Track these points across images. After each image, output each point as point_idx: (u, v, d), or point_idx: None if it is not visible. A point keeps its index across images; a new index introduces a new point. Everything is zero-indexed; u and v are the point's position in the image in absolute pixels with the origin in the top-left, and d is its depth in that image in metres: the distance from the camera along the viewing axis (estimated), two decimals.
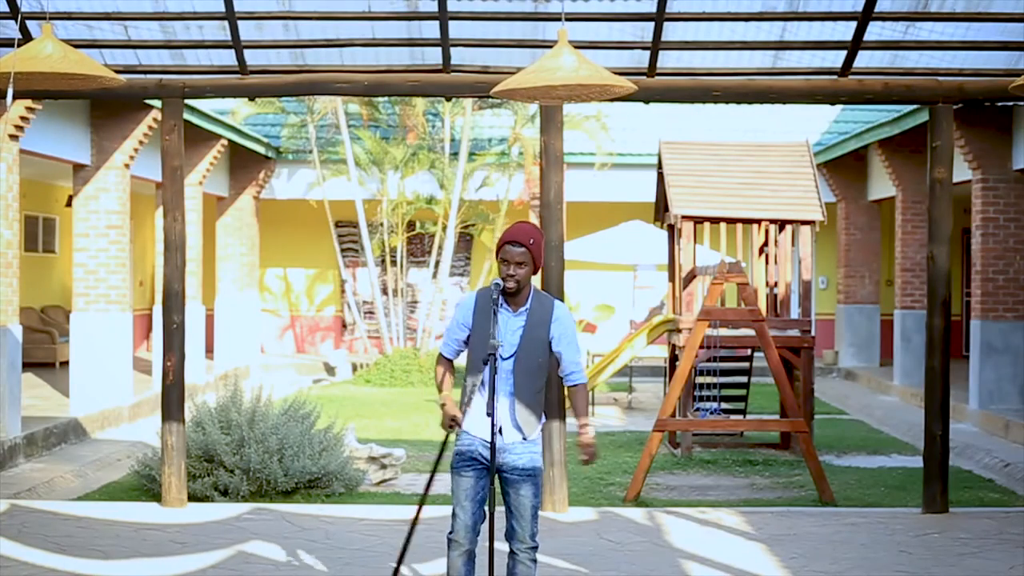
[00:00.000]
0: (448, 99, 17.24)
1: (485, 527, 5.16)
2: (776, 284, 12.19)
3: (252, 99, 14.98)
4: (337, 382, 19.37)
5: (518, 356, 5.23)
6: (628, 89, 5.85)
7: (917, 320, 16.63)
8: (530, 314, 5.23)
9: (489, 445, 5.12)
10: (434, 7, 8.23)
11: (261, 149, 19.93)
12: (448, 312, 22.46)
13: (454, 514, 5.29)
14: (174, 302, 8.91)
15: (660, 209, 13.07)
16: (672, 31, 8.44)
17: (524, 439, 5.27)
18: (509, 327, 5.20)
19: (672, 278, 12.86)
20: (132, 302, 15.76)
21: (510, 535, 5.30)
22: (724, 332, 11.26)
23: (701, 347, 10.46)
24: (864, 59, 8.68)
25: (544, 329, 5.23)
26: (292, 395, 10.92)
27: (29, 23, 8.40)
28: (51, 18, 7.17)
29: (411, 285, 22.35)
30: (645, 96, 8.86)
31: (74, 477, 10.56)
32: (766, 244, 12.29)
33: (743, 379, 13.07)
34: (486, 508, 5.16)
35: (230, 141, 17.96)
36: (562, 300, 8.84)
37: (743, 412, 13.08)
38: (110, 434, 13.01)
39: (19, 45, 5.57)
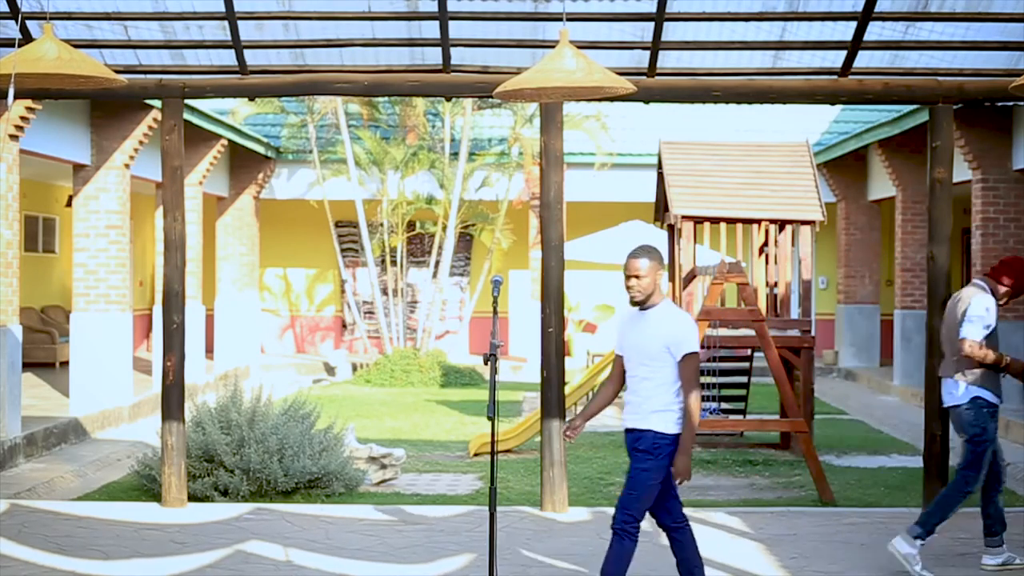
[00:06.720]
0: (448, 99, 17.24)
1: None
2: (776, 284, 12.18)
3: (252, 99, 14.97)
4: (337, 382, 19.35)
5: None
6: (628, 89, 5.85)
7: (917, 320, 16.62)
8: None
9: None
10: (434, 7, 8.23)
11: (261, 149, 19.92)
12: (448, 311, 22.48)
13: None
14: (174, 302, 8.91)
15: (660, 209, 13.06)
16: (672, 31, 8.44)
17: None
18: None
19: (672, 278, 12.85)
20: (132, 302, 15.76)
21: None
22: (724, 332, 11.25)
23: (701, 347, 10.45)
24: (864, 59, 8.68)
25: None
26: (292, 395, 10.91)
27: (29, 23, 8.39)
28: (51, 18, 7.17)
29: (411, 285, 22.34)
30: (645, 96, 8.86)
31: (74, 477, 10.56)
32: (766, 244, 12.27)
33: (743, 379, 13.07)
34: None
35: (230, 141, 17.95)
36: (562, 300, 8.88)
37: (743, 412, 13.08)
38: (110, 434, 13.01)
39: (19, 45, 5.57)
